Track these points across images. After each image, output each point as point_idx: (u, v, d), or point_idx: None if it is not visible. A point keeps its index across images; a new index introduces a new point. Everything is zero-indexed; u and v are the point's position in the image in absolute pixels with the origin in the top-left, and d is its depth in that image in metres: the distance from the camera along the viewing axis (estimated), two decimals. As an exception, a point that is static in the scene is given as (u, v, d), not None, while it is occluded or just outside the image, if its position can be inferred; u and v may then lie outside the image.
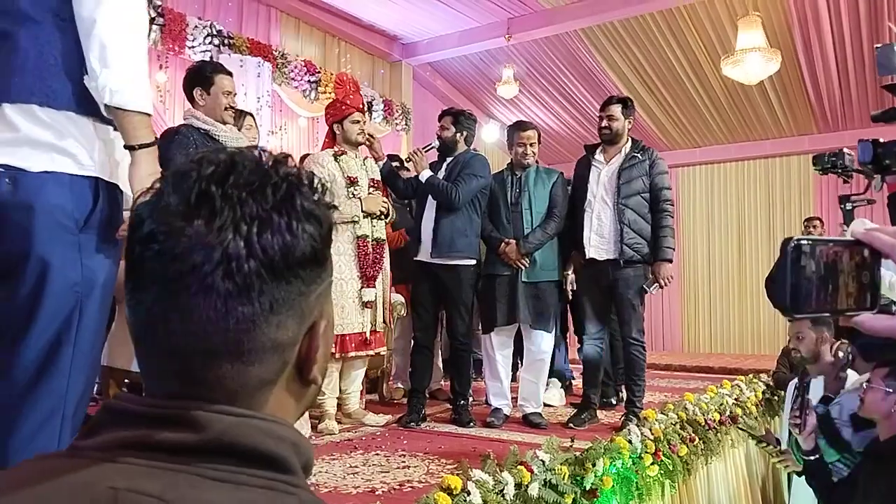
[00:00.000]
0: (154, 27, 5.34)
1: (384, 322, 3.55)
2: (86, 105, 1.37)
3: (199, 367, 0.56)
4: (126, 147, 1.41)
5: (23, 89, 1.33)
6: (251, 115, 3.55)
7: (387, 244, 3.61)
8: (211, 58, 5.76)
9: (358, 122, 3.51)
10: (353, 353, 3.41)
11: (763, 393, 4.62)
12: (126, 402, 0.57)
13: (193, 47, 5.65)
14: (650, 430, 3.05)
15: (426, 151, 3.73)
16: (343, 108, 3.52)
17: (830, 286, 0.72)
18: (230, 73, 2.99)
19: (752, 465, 4.11)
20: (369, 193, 3.50)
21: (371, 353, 3.49)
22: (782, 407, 4.69)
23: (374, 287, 3.45)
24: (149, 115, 1.41)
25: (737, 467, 3.89)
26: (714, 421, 3.63)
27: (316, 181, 0.61)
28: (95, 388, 2.65)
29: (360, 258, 3.42)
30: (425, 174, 3.62)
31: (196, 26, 5.67)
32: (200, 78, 2.88)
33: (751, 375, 5.08)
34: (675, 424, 3.28)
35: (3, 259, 1.33)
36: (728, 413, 3.88)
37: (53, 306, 1.33)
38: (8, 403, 1.32)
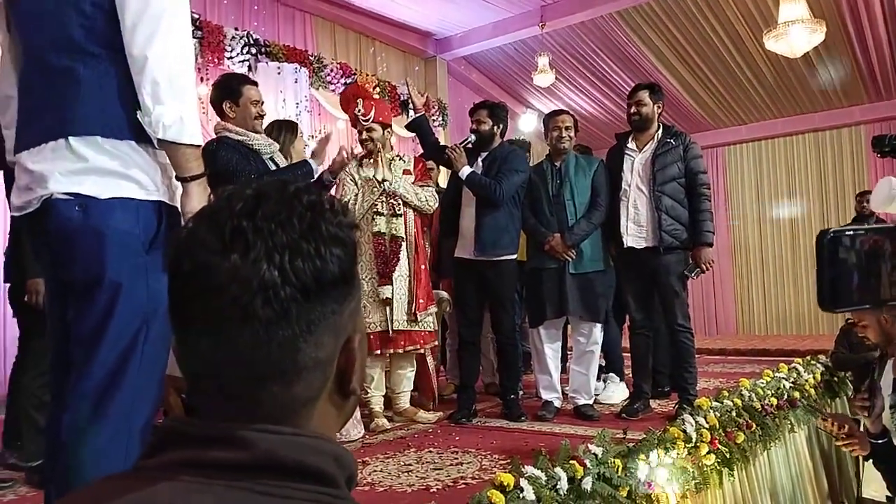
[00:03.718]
0: (193, 41, 5.47)
1: (412, 319, 3.51)
2: (145, 133, 1.44)
3: (245, 390, 0.59)
4: (178, 179, 1.47)
5: (86, 122, 1.40)
6: (295, 124, 3.60)
7: (410, 241, 3.58)
8: (249, 67, 5.88)
9: (360, 131, 3.58)
10: (378, 352, 3.44)
11: (822, 375, 4.49)
12: (181, 424, 0.61)
13: (232, 58, 5.77)
14: (705, 418, 3.01)
15: (464, 147, 3.70)
16: (352, 121, 3.65)
17: (872, 277, 0.70)
18: (256, 84, 3.05)
19: (814, 449, 4.00)
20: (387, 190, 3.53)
21: (400, 350, 3.49)
22: (843, 389, 4.56)
23: (390, 284, 3.46)
24: (199, 146, 1.47)
25: (798, 452, 3.79)
26: (771, 406, 3.55)
27: (337, 204, 0.64)
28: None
29: (376, 256, 3.45)
30: (465, 170, 3.60)
31: (233, 37, 5.79)
32: (228, 91, 2.94)
33: (808, 357, 4.94)
34: (730, 412, 3.22)
35: (77, 281, 1.41)
36: (786, 397, 3.78)
37: (121, 325, 1.39)
38: (79, 419, 1.39)
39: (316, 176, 3.02)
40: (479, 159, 3.70)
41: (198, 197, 1.47)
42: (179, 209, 1.52)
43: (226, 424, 0.58)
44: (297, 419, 0.61)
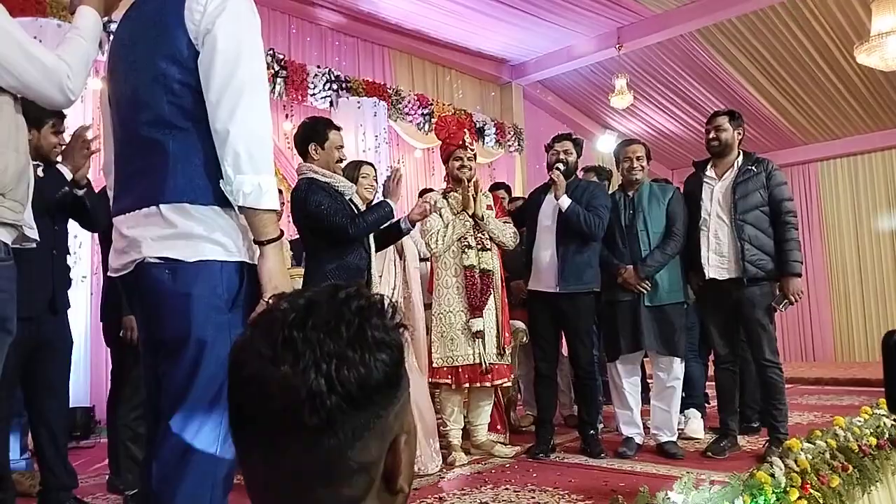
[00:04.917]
0: (278, 80, 5.73)
1: (500, 352, 3.53)
2: (228, 198, 1.53)
3: (295, 493, 0.63)
4: (255, 242, 1.56)
5: (175, 190, 1.51)
6: (368, 163, 3.70)
7: (496, 275, 3.60)
8: (331, 102, 6.10)
9: (460, 158, 3.60)
10: (466, 385, 3.45)
11: (930, 410, 4.18)
12: None
13: (315, 94, 6.00)
14: (795, 461, 2.86)
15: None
16: (445, 147, 3.68)
17: None
18: (339, 128, 3.17)
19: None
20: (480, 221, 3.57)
21: (487, 384, 3.51)
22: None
23: (482, 317, 3.48)
24: (277, 211, 1.56)
25: (904, 494, 3.54)
26: (870, 446, 3.34)
27: (386, 304, 0.67)
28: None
29: (468, 289, 3.48)
30: (565, 201, 3.52)
31: (316, 74, 6.02)
32: (315, 133, 3.07)
33: (914, 390, 4.62)
34: (823, 453, 3.05)
35: (167, 339, 1.52)
36: (888, 436, 3.55)
37: (206, 379, 1.49)
38: (167, 469, 1.48)
39: (394, 212, 3.09)
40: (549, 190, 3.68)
41: (273, 259, 1.55)
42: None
43: None
44: None
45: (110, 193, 1.75)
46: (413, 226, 3.30)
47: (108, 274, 1.67)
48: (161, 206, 1.50)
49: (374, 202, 3.42)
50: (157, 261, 1.50)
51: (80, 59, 1.60)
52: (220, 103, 1.47)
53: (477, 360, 3.46)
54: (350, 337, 0.62)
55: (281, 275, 1.56)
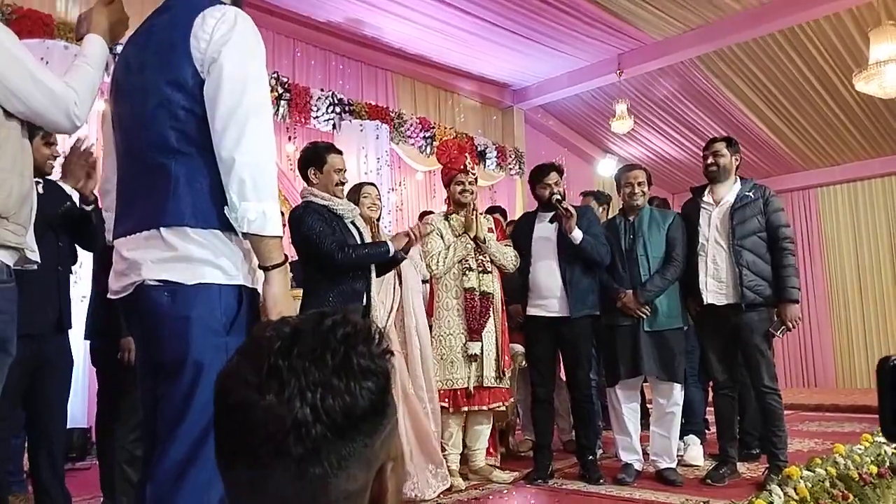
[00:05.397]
0: (282, 102, 5.78)
1: (499, 375, 3.53)
2: (229, 223, 1.55)
3: None
4: (260, 267, 1.58)
5: (177, 214, 1.52)
6: (370, 184, 3.73)
7: (496, 298, 3.61)
8: (333, 125, 6.15)
9: (461, 182, 3.62)
10: (464, 408, 3.45)
11: (931, 438, 4.16)
12: None
13: (318, 117, 6.05)
14: (794, 489, 2.84)
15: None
16: (447, 171, 3.70)
17: None
18: (340, 152, 3.20)
19: (923, 520, 3.69)
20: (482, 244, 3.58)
21: (485, 407, 3.50)
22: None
23: (480, 340, 3.47)
24: (280, 237, 1.57)
25: (905, 524, 3.51)
26: (871, 475, 3.31)
27: (373, 331, 0.67)
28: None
29: (468, 311, 3.49)
30: (578, 234, 3.52)
31: (319, 97, 6.08)
32: (313, 158, 3.10)
33: (916, 417, 4.59)
34: (823, 481, 3.03)
35: (166, 361, 1.53)
36: (888, 464, 3.52)
37: (203, 402, 1.49)
38: (161, 491, 1.48)
39: (392, 255, 3.04)
40: (552, 220, 3.68)
41: (278, 283, 1.57)
42: (259, 292, 1.62)
43: None
44: None
45: (107, 215, 1.77)
46: (406, 253, 3.21)
47: (109, 296, 1.67)
48: (162, 228, 1.52)
49: (379, 219, 3.47)
50: (157, 283, 1.51)
51: (87, 86, 1.64)
52: (225, 131, 1.49)
53: (475, 383, 3.45)
54: (335, 365, 0.62)
55: (285, 300, 1.58)
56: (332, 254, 2.87)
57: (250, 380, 0.62)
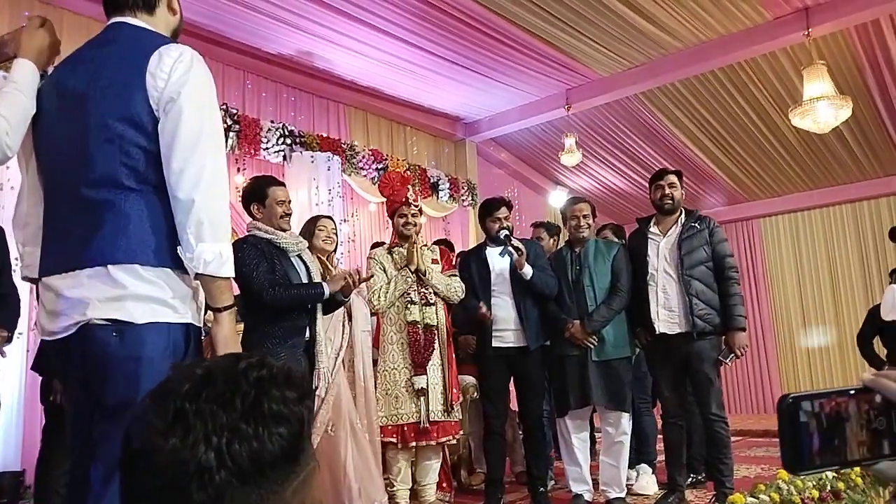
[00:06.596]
0: (231, 134, 5.73)
1: (447, 409, 3.50)
2: (180, 261, 1.52)
3: None
4: (210, 309, 1.55)
5: (128, 251, 1.48)
6: (327, 217, 3.67)
7: (441, 330, 3.60)
8: (284, 157, 6.11)
9: (404, 215, 3.64)
10: (412, 444, 3.41)
11: (870, 462, 4.27)
12: None
13: (268, 148, 6.00)
14: (739, 516, 2.88)
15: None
16: (390, 203, 3.72)
17: (836, 439, 0.70)
18: (283, 184, 3.18)
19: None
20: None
21: (433, 442, 3.46)
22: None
23: (425, 374, 3.45)
24: (231, 278, 1.55)
25: (848, 547, 3.58)
26: (813, 499, 3.38)
27: (289, 377, 0.65)
28: None
29: (411, 345, 3.47)
30: (528, 270, 3.59)
31: (269, 129, 6.04)
32: (255, 193, 3.07)
33: (856, 442, 4.71)
34: (767, 508, 3.07)
35: (110, 404, 1.47)
36: (829, 488, 3.60)
37: None
38: None
39: (326, 296, 2.98)
40: (501, 253, 3.69)
41: (228, 325, 1.55)
42: (202, 331, 1.60)
43: None
44: None
45: (27, 249, 1.68)
46: (346, 297, 3.13)
47: (42, 337, 1.60)
48: (110, 266, 1.47)
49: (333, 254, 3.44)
50: (104, 322, 1.46)
51: (18, 113, 1.56)
52: (183, 172, 1.47)
53: (418, 419, 3.42)
54: (245, 409, 0.60)
55: (233, 342, 1.56)
56: (262, 291, 2.80)
57: (156, 424, 0.61)
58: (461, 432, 3.76)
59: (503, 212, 3.74)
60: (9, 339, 3.04)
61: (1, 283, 3.12)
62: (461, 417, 3.75)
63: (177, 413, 0.60)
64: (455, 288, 3.65)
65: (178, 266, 1.52)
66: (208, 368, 0.64)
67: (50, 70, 1.72)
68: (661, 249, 3.63)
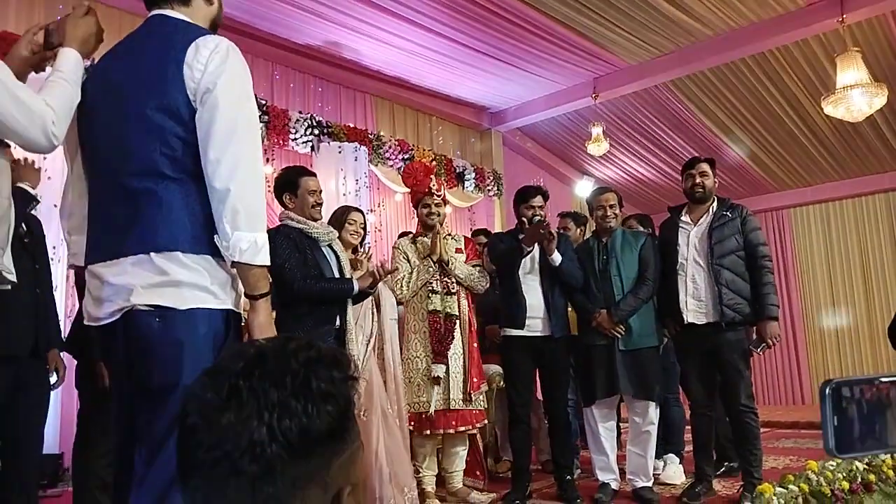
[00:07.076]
0: (260, 124, 5.79)
1: (466, 398, 3.51)
2: (218, 248, 1.56)
3: None
4: (247, 296, 1.59)
5: (169, 239, 1.53)
6: (358, 210, 3.65)
7: (463, 319, 3.61)
8: (312, 147, 6.17)
9: (428, 205, 3.65)
10: (439, 431, 3.43)
11: (902, 454, 4.23)
12: None
13: (296, 139, 6.06)
14: (768, 506, 2.87)
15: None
16: (413, 194, 3.74)
17: (878, 424, 0.71)
18: (314, 174, 3.21)
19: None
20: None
21: (451, 430, 3.48)
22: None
23: (445, 362, 3.47)
24: (268, 266, 1.58)
25: (878, 540, 3.55)
26: (843, 491, 3.36)
27: (337, 358, 0.69)
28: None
29: (431, 334, 3.49)
30: (557, 257, 3.59)
31: (298, 119, 6.10)
32: (287, 183, 3.12)
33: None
34: (796, 498, 3.06)
35: (154, 388, 1.52)
36: (860, 480, 3.57)
37: None
38: None
39: (355, 292, 3.02)
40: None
41: (264, 313, 1.58)
42: (243, 316, 1.64)
43: None
44: None
45: (74, 238, 1.73)
46: (373, 290, 3.18)
47: (87, 322, 1.65)
48: (153, 254, 1.51)
49: (361, 246, 3.46)
50: (148, 308, 1.50)
51: (65, 104, 1.59)
52: (220, 162, 1.50)
53: (441, 406, 3.44)
54: (295, 387, 0.64)
55: (269, 328, 1.59)
56: (293, 282, 2.87)
57: (212, 399, 0.64)
58: (484, 421, 3.78)
59: (538, 200, 3.74)
60: None
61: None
62: (486, 406, 3.77)
63: (231, 390, 0.64)
64: (477, 277, 3.66)
65: (217, 253, 1.56)
66: (261, 348, 0.68)
67: (93, 60, 1.76)
68: (691, 238, 3.60)
